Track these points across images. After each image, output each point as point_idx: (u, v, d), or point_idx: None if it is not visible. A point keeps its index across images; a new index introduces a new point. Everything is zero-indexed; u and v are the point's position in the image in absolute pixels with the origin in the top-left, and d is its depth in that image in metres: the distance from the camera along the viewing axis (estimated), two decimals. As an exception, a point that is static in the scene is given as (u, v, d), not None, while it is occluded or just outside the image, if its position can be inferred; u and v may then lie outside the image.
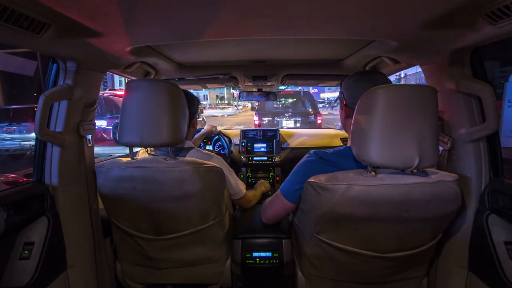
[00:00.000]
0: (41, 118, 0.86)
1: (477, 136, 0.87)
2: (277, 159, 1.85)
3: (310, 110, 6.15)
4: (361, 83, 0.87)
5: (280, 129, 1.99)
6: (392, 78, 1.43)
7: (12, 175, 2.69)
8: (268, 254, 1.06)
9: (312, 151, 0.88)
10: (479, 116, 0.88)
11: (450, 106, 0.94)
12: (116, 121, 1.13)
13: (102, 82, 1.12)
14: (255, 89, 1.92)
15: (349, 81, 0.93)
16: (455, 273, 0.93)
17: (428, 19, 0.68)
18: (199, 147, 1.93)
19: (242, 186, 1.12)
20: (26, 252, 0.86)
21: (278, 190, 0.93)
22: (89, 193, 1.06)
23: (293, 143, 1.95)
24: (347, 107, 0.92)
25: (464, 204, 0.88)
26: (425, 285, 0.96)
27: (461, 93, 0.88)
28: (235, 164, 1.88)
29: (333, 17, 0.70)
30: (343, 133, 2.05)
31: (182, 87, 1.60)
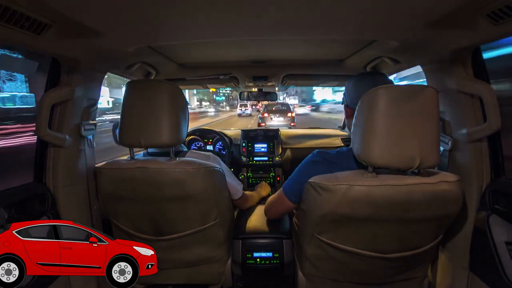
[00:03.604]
0: (42, 118, 0.86)
1: (478, 136, 0.87)
2: (277, 159, 1.85)
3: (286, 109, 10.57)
4: (362, 84, 0.88)
5: (280, 129, 1.99)
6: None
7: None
8: (269, 254, 1.06)
9: (316, 151, 0.88)
10: (480, 116, 0.88)
11: (451, 106, 0.94)
12: (116, 122, 1.13)
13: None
14: (255, 89, 1.92)
15: (351, 82, 0.94)
16: (456, 273, 0.92)
17: (429, 19, 0.68)
18: (201, 146, 1.93)
19: (239, 186, 1.12)
20: None
21: (281, 188, 0.94)
22: (90, 193, 1.06)
23: (294, 143, 1.94)
24: (349, 107, 0.92)
25: (465, 204, 0.88)
26: (426, 286, 0.96)
27: (462, 93, 0.88)
28: (235, 165, 1.88)
29: (334, 18, 0.70)
30: (343, 133, 2.05)
31: (183, 87, 1.60)
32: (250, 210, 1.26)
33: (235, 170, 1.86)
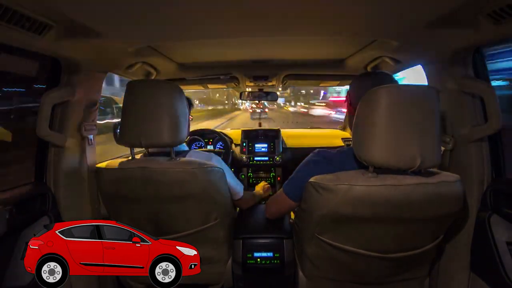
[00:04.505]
0: (42, 118, 0.86)
1: (479, 136, 0.86)
2: (278, 159, 1.85)
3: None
4: (366, 83, 0.87)
5: (281, 129, 1.99)
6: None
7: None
8: (269, 254, 1.06)
9: (316, 150, 0.88)
10: (481, 116, 0.88)
11: (452, 106, 0.93)
12: (117, 122, 1.13)
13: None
14: (255, 89, 1.92)
15: (355, 80, 0.94)
16: (457, 273, 0.92)
17: (430, 19, 0.68)
18: (201, 146, 1.93)
19: (240, 187, 1.12)
20: None
21: (282, 188, 0.94)
22: (91, 193, 1.06)
23: (294, 143, 1.94)
24: (352, 106, 0.92)
25: (466, 204, 0.88)
26: (427, 286, 0.96)
27: (463, 93, 0.88)
28: (236, 164, 1.88)
29: (334, 17, 0.70)
30: (344, 133, 2.05)
31: (183, 87, 1.61)
32: (251, 210, 1.26)
33: (235, 170, 1.86)
